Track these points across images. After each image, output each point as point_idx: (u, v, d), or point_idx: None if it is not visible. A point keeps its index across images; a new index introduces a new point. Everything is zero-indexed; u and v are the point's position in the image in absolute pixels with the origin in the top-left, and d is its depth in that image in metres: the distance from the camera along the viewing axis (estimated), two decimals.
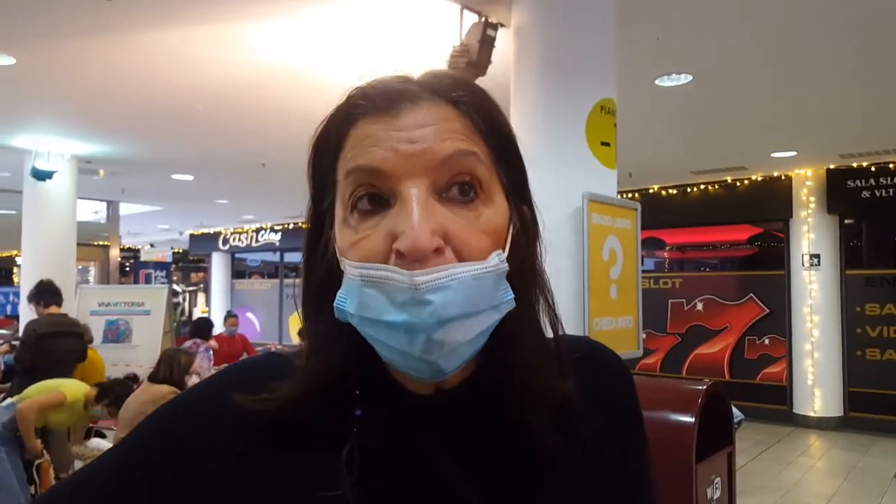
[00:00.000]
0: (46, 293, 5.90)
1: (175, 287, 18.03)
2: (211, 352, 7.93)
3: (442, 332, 0.58)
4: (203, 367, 7.48)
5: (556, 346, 0.73)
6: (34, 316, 5.92)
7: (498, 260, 0.62)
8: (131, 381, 4.98)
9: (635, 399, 0.82)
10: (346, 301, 0.62)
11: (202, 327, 8.22)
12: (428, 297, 0.57)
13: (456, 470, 0.66)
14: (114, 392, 4.65)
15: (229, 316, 9.69)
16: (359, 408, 0.67)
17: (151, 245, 20.28)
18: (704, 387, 3.07)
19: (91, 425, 5.24)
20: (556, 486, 0.69)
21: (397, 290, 0.58)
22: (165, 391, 4.53)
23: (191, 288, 20.42)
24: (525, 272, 0.69)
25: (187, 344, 7.84)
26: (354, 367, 0.66)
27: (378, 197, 0.62)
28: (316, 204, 0.70)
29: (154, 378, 4.77)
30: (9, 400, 4.59)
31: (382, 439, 0.66)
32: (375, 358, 0.64)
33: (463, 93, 0.67)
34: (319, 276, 0.68)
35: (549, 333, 0.73)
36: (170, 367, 4.75)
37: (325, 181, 0.68)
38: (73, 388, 4.53)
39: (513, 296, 0.63)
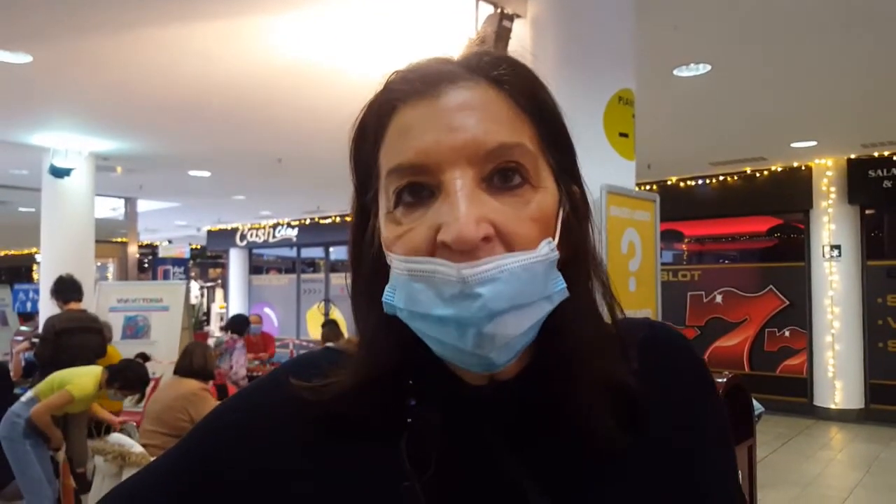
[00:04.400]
0: (66, 289, 5.93)
1: (193, 282, 18.16)
2: (245, 347, 8.15)
3: (492, 325, 0.56)
4: (239, 362, 7.72)
5: (615, 330, 0.69)
6: (56, 311, 5.96)
7: (548, 248, 0.59)
8: (141, 360, 5.02)
9: (707, 378, 0.76)
10: (394, 295, 0.61)
11: (239, 323, 8.46)
12: (477, 290, 0.55)
13: (513, 462, 0.64)
14: (124, 375, 4.67)
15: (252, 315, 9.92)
16: (413, 398, 0.65)
17: (169, 241, 20.42)
18: (724, 379, 3.05)
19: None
20: (616, 476, 0.66)
21: (445, 284, 0.56)
22: (195, 386, 4.52)
23: (209, 284, 20.55)
24: (578, 255, 0.66)
25: (224, 338, 8.19)
26: (407, 359, 0.65)
27: (421, 187, 0.60)
28: (360, 195, 0.68)
29: (179, 370, 4.74)
30: (28, 394, 4.63)
31: (439, 430, 0.64)
32: (428, 349, 0.62)
33: (504, 71, 0.64)
34: (367, 268, 0.66)
35: (607, 317, 0.70)
36: (203, 358, 4.72)
37: (367, 172, 0.66)
38: (81, 384, 4.54)
39: (564, 285, 0.61)
